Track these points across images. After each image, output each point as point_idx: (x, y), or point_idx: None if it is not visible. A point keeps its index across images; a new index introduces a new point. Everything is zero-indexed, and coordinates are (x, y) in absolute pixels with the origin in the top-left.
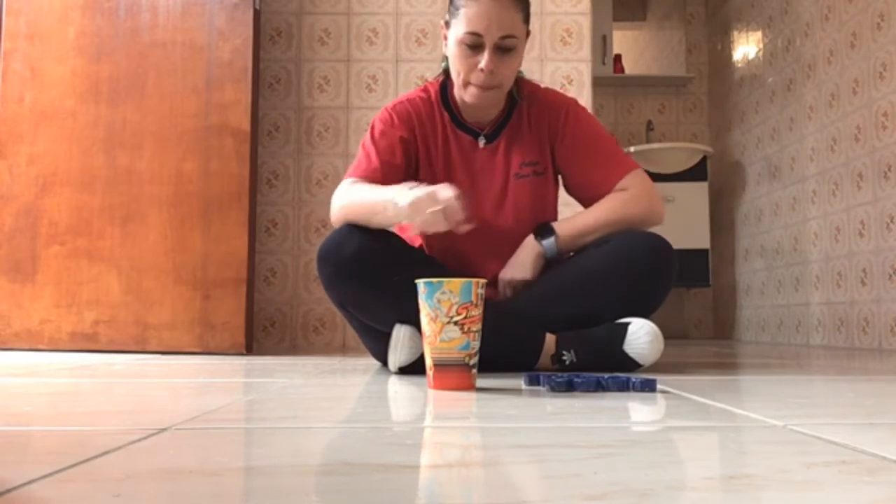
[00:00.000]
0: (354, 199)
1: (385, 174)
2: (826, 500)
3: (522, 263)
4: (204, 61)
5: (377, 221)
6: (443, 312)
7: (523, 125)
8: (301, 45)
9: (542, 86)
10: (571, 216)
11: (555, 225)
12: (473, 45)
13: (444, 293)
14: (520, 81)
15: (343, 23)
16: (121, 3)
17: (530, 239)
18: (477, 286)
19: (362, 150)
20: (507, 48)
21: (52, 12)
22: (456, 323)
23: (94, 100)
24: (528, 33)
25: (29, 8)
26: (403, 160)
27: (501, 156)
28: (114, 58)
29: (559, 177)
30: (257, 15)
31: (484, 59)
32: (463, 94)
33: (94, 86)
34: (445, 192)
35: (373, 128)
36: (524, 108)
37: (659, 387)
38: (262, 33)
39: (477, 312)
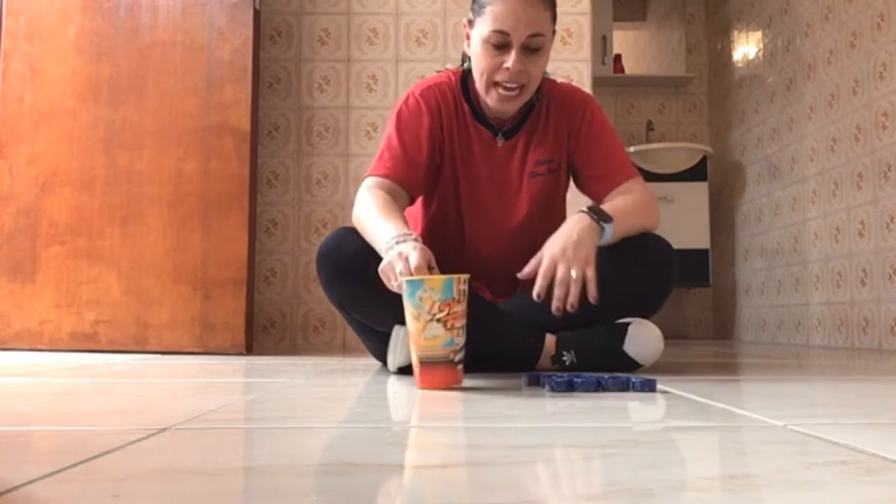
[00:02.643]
0: (363, 219)
1: (408, 173)
2: (826, 500)
3: (579, 241)
4: (204, 61)
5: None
6: (425, 310)
7: (541, 123)
8: (301, 45)
9: (558, 80)
10: (610, 207)
11: (608, 211)
12: (500, 44)
13: (425, 291)
14: (542, 82)
15: (343, 23)
16: (121, 3)
17: (582, 216)
18: (458, 282)
19: (386, 142)
20: (534, 48)
21: (52, 12)
22: (438, 320)
23: (94, 100)
24: (554, 32)
25: (29, 8)
26: (428, 154)
27: (519, 153)
28: (114, 58)
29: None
30: (257, 15)
31: (511, 59)
32: (486, 95)
33: (94, 86)
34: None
35: (399, 117)
36: (543, 106)
37: (659, 387)
38: (262, 33)
39: (460, 308)
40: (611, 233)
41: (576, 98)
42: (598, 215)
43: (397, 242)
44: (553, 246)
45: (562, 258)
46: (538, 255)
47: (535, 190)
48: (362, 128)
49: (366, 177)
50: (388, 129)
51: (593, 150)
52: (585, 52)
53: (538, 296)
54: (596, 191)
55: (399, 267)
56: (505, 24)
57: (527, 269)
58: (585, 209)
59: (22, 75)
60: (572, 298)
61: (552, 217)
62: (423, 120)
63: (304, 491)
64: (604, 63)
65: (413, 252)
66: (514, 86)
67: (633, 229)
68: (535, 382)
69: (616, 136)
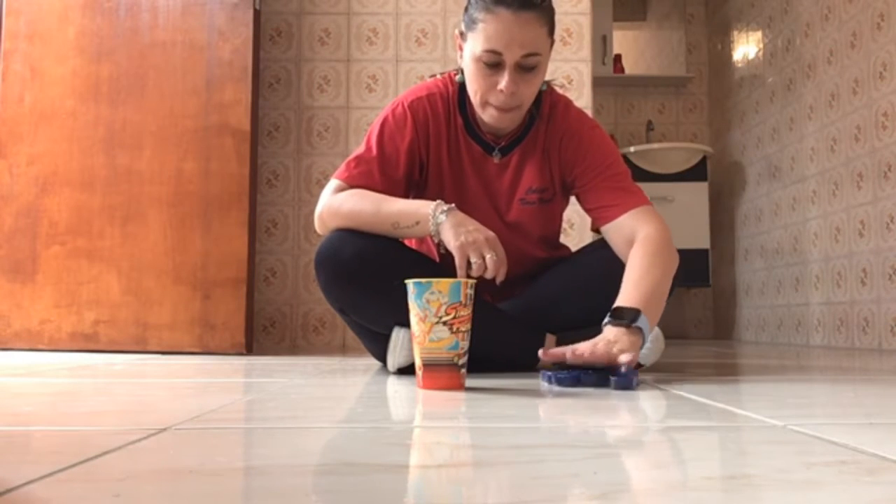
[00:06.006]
0: (360, 207)
1: (385, 189)
2: (826, 500)
3: (616, 340)
4: (204, 61)
5: (398, 233)
6: (432, 312)
7: (538, 145)
8: (301, 45)
9: (562, 94)
10: (631, 289)
11: (641, 311)
12: (492, 63)
13: (432, 293)
14: (542, 94)
15: (343, 23)
16: (121, 3)
17: (609, 329)
18: (466, 286)
19: (366, 151)
20: (529, 67)
21: (52, 12)
22: (445, 323)
23: (94, 100)
24: (552, 44)
25: (29, 8)
26: (405, 171)
27: (510, 174)
28: (114, 58)
29: (571, 194)
30: (257, 15)
31: (504, 81)
32: (481, 113)
33: (94, 86)
34: (496, 244)
35: (383, 124)
36: (542, 127)
37: (658, 387)
38: (262, 33)
39: (466, 312)
40: (647, 324)
41: (573, 128)
42: (626, 318)
43: (443, 212)
44: (585, 344)
45: (591, 346)
46: (566, 347)
47: (524, 216)
48: (362, 128)
49: (338, 178)
50: (372, 134)
51: (595, 185)
52: (585, 52)
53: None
54: (598, 217)
55: (488, 256)
56: (498, 44)
57: (552, 350)
58: (609, 319)
59: (22, 75)
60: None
61: (548, 227)
62: (406, 134)
63: (304, 491)
64: (604, 63)
65: (498, 245)
66: (507, 108)
67: (663, 300)
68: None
69: (620, 161)
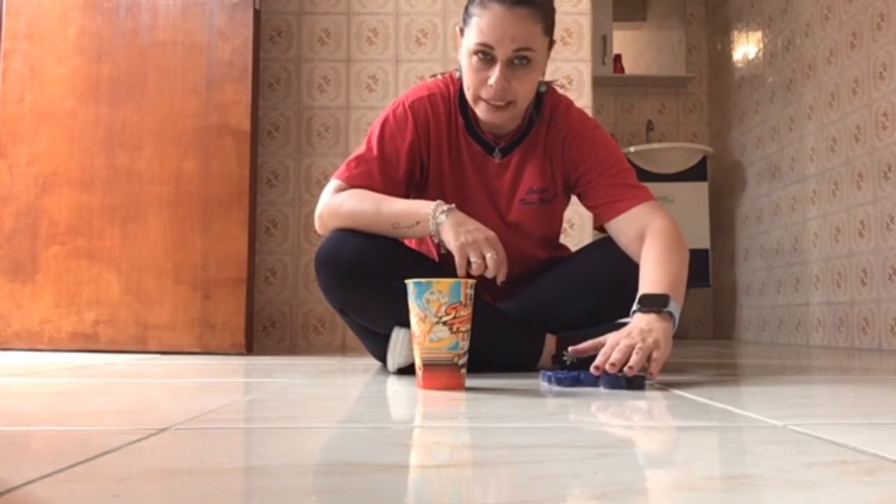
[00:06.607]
0: (360, 208)
1: (385, 189)
2: (826, 500)
3: (649, 329)
4: (204, 61)
5: (398, 233)
6: (431, 312)
7: (539, 146)
8: (301, 45)
9: (563, 95)
10: (655, 277)
11: (670, 298)
12: (485, 57)
13: (432, 293)
14: (543, 95)
15: (343, 23)
16: (121, 3)
17: (641, 316)
18: (466, 286)
19: (366, 151)
20: (521, 63)
21: (52, 12)
22: (445, 323)
23: (94, 100)
24: (551, 44)
25: (29, 8)
26: (406, 171)
27: (510, 175)
28: (114, 58)
29: (573, 194)
30: (257, 15)
31: (494, 75)
32: (475, 108)
33: (94, 86)
34: (497, 243)
35: (384, 124)
36: (543, 128)
37: (658, 387)
38: (262, 33)
39: (466, 312)
40: (677, 310)
41: (575, 129)
42: (656, 304)
43: (443, 212)
44: (618, 333)
45: (626, 338)
46: (598, 339)
47: (524, 216)
48: (362, 128)
49: (338, 178)
50: (372, 134)
51: (599, 184)
52: (585, 52)
53: (596, 367)
54: (603, 214)
55: (488, 255)
56: (489, 38)
57: (580, 346)
58: (638, 307)
59: (22, 75)
60: (632, 362)
61: (548, 228)
62: (407, 134)
63: (304, 491)
64: (604, 63)
65: (498, 245)
66: (499, 103)
67: (683, 284)
68: (573, 382)
69: (624, 160)
